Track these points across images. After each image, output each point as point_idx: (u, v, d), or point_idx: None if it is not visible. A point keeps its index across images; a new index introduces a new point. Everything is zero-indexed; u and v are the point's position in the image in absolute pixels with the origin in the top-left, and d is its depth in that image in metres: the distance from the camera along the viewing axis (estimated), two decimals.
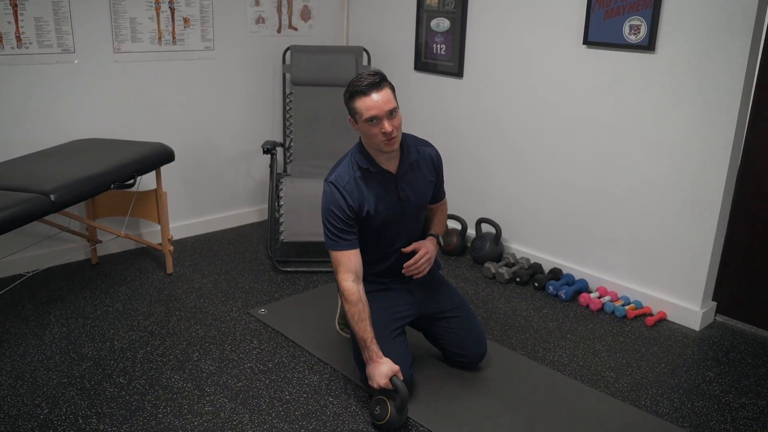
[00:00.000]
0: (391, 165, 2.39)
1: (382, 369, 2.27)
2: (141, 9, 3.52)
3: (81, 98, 3.42)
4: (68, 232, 3.37)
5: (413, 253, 2.49)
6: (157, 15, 3.58)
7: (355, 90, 2.25)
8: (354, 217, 2.35)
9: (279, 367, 2.64)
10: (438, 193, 2.66)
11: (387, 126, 2.22)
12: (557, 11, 3.28)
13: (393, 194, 2.41)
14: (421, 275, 2.47)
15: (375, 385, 2.28)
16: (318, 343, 2.80)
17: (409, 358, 2.44)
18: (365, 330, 2.31)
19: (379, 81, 2.25)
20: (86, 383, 2.48)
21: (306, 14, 4.23)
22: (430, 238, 2.56)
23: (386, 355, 2.36)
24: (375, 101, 2.21)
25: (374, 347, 2.30)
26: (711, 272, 3.02)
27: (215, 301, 3.17)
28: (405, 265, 2.46)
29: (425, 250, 2.47)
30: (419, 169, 2.48)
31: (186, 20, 3.69)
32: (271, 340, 2.84)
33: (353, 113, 2.29)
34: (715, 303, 3.13)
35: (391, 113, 2.24)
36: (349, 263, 2.34)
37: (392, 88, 2.29)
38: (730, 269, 3.07)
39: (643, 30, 2.94)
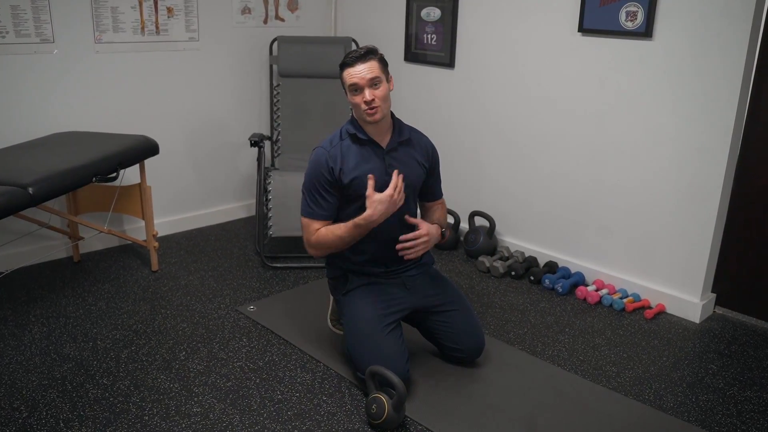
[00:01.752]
0: (381, 139, 2.41)
1: (377, 196, 2.26)
2: None
3: (61, 90, 3.30)
4: (48, 228, 3.24)
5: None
6: (140, 4, 3.47)
7: (343, 62, 2.33)
8: (333, 182, 2.35)
9: (270, 365, 2.54)
10: (433, 189, 2.62)
11: (368, 94, 2.28)
12: None
13: (380, 167, 2.39)
14: (412, 256, 2.38)
15: (394, 208, 2.27)
16: (310, 341, 2.71)
17: (405, 354, 2.36)
18: (342, 226, 2.33)
19: (365, 53, 2.31)
20: (68, 385, 2.37)
21: (293, 4, 4.13)
22: (435, 225, 2.49)
23: (381, 350, 2.30)
24: (358, 70, 2.28)
25: (359, 217, 2.29)
26: (710, 263, 2.96)
27: (202, 299, 3.07)
28: (401, 237, 2.37)
29: (425, 231, 2.39)
30: (411, 149, 2.47)
31: (170, 10, 3.58)
32: (261, 337, 2.74)
33: (343, 85, 2.37)
34: (715, 294, 3.07)
35: (374, 83, 2.29)
36: (315, 228, 2.38)
37: (382, 62, 2.35)
38: (730, 260, 3.01)
39: (640, 16, 2.88)
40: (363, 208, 2.33)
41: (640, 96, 2.98)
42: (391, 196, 2.27)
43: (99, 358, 2.55)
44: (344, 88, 2.36)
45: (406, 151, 2.45)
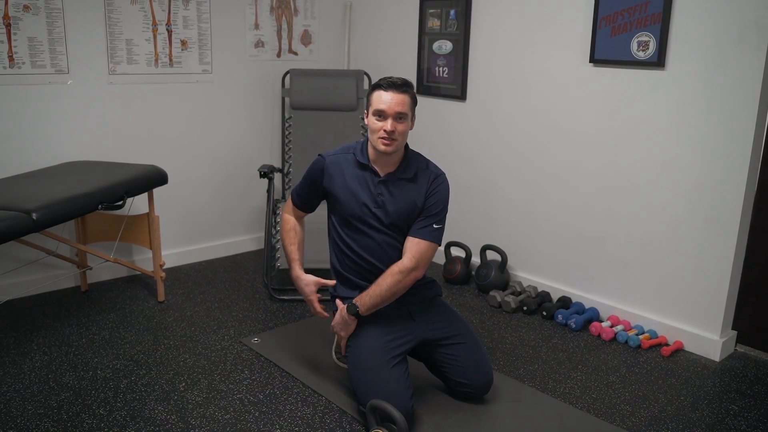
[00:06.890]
0: (383, 168, 2.39)
1: (303, 280, 2.50)
2: (137, 31, 3.46)
3: (74, 120, 3.33)
4: (56, 256, 3.24)
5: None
6: (154, 37, 3.52)
7: (378, 84, 2.32)
8: (317, 187, 2.45)
9: (270, 398, 2.47)
10: (417, 225, 2.36)
11: (389, 125, 2.26)
12: (562, 29, 3.19)
13: (369, 193, 2.37)
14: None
15: (305, 297, 2.52)
16: (313, 374, 2.63)
17: (409, 389, 2.27)
18: (293, 252, 2.53)
19: (402, 84, 2.30)
20: (63, 414, 2.32)
21: (306, 39, 4.17)
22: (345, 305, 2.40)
23: (385, 384, 2.22)
24: (389, 98, 2.27)
25: (296, 267, 2.52)
26: (730, 298, 2.85)
27: (207, 330, 3.02)
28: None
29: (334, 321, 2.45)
30: (412, 185, 2.39)
31: (183, 43, 3.63)
32: (263, 370, 2.68)
33: (368, 105, 2.35)
34: (735, 332, 2.95)
35: (400, 116, 2.28)
36: (291, 209, 2.57)
37: (413, 99, 2.35)
38: (750, 295, 2.90)
39: (652, 46, 2.84)
40: (345, 223, 2.42)
41: (654, 127, 2.92)
42: (309, 287, 2.51)
43: (97, 387, 2.50)
44: (366, 107, 2.36)
45: (403, 186, 2.37)
